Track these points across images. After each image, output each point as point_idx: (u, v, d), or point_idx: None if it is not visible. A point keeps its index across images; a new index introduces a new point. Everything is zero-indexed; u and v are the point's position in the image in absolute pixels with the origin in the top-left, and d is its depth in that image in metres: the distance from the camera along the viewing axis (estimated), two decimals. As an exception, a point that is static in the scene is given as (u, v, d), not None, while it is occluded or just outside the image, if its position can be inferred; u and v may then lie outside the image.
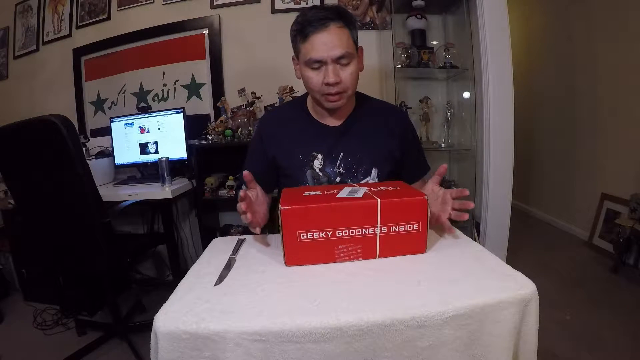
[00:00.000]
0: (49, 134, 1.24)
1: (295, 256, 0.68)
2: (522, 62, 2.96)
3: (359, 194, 0.70)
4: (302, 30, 0.85)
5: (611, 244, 2.20)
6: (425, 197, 0.68)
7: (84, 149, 1.78)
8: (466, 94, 2.07)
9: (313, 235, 0.66)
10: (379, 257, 0.69)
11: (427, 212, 0.68)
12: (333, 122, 0.99)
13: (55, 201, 1.39)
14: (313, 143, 0.97)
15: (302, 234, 0.66)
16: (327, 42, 0.84)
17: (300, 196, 0.71)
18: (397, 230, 0.68)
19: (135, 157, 2.08)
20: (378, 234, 0.67)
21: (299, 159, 0.97)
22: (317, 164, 0.97)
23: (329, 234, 0.66)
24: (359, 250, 0.68)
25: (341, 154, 0.97)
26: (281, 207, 0.65)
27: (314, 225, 0.66)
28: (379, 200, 0.66)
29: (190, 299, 0.59)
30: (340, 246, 0.67)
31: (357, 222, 0.66)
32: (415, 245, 0.70)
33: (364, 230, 0.67)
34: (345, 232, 0.66)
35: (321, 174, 0.97)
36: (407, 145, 1.02)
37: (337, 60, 0.85)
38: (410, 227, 0.68)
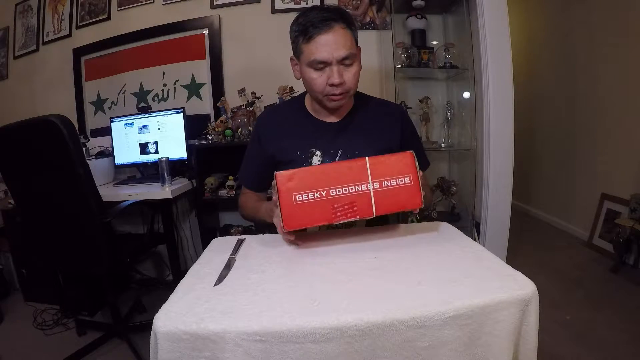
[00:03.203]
0: (49, 134, 1.24)
1: (293, 219, 0.70)
2: (522, 62, 2.96)
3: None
4: (305, 31, 0.85)
5: (611, 244, 2.20)
6: (412, 152, 0.73)
7: (84, 149, 1.78)
8: (466, 94, 2.07)
9: (308, 196, 0.69)
10: (376, 213, 0.70)
11: (415, 166, 0.72)
12: (331, 119, 1.00)
13: (55, 201, 1.39)
14: (311, 139, 0.98)
15: (297, 196, 0.69)
16: (331, 43, 0.84)
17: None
18: (389, 185, 0.71)
19: (135, 157, 2.08)
20: (371, 190, 0.70)
21: (297, 155, 0.97)
22: (316, 160, 0.97)
23: (324, 194, 0.69)
24: (355, 208, 0.70)
25: (340, 150, 0.97)
26: (276, 173, 0.70)
27: (308, 186, 0.69)
28: (367, 158, 0.71)
29: (190, 299, 0.59)
30: (336, 205, 0.70)
31: (349, 180, 0.70)
32: (410, 198, 0.72)
33: (357, 187, 0.70)
34: (339, 191, 0.70)
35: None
36: (406, 141, 1.03)
37: (341, 61, 0.86)
38: (402, 181, 0.71)
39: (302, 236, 0.83)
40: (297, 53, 0.91)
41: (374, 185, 0.70)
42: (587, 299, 1.82)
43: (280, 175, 0.70)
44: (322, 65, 0.87)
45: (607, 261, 2.19)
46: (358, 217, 0.70)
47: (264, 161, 1.01)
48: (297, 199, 0.69)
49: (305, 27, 0.85)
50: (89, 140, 2.27)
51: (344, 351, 0.51)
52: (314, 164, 0.97)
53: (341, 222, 0.70)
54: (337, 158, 0.97)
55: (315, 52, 0.85)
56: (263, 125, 1.04)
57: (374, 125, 1.00)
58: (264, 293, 0.60)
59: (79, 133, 1.75)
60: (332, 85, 0.87)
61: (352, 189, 0.70)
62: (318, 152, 0.97)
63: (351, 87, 0.91)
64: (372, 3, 2.14)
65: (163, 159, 1.73)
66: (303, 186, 0.69)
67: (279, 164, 0.99)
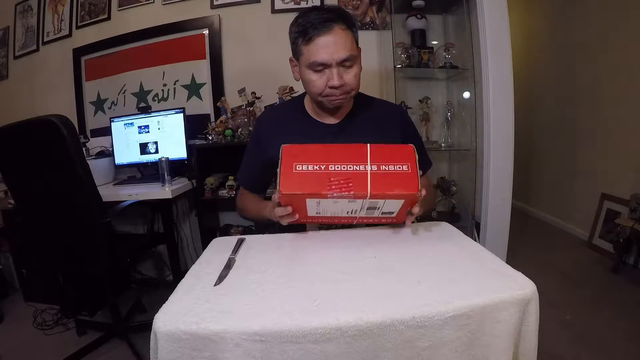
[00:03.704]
0: (49, 134, 1.24)
1: (289, 184, 0.72)
2: (522, 62, 2.96)
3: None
4: (305, 32, 0.85)
5: (611, 244, 2.20)
6: (412, 145, 0.76)
7: (84, 149, 1.78)
8: (466, 94, 2.07)
9: (308, 167, 0.73)
10: (370, 193, 0.71)
11: (414, 157, 0.75)
12: (331, 120, 0.99)
13: (55, 201, 1.39)
14: (311, 141, 0.96)
15: (297, 166, 0.73)
16: (331, 44, 0.83)
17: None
18: (387, 169, 0.73)
19: (135, 157, 2.08)
20: (369, 172, 0.72)
21: None
22: None
23: (322, 167, 0.73)
24: (351, 184, 0.72)
25: None
26: (282, 145, 0.75)
27: (309, 158, 0.74)
28: (368, 144, 0.75)
29: (190, 299, 0.59)
30: (332, 178, 0.72)
31: (349, 159, 0.73)
32: (407, 184, 0.73)
33: (355, 166, 0.73)
34: (338, 167, 0.73)
35: None
36: (406, 141, 1.02)
37: (341, 63, 0.85)
38: (400, 168, 0.73)
39: (302, 233, 0.83)
40: (296, 54, 0.91)
41: (371, 167, 0.73)
42: (587, 299, 1.82)
43: (286, 147, 0.75)
44: (321, 67, 0.86)
45: (607, 261, 2.19)
46: (352, 192, 0.71)
47: (264, 162, 1.00)
48: (297, 168, 0.73)
49: (305, 28, 0.84)
50: (89, 140, 2.27)
51: (344, 351, 0.51)
52: None
53: (335, 195, 0.71)
54: None
55: (314, 54, 0.84)
56: (263, 126, 1.04)
57: (374, 127, 1.00)
58: (264, 293, 0.60)
59: (79, 133, 1.75)
60: (331, 87, 0.87)
61: (350, 167, 0.73)
62: None
63: (353, 88, 0.90)
64: (372, 3, 2.14)
65: (163, 159, 1.73)
66: (305, 158, 0.74)
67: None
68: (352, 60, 0.87)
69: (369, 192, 0.71)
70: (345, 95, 0.90)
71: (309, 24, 0.84)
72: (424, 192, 0.73)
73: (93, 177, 1.35)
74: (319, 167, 0.73)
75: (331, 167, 0.73)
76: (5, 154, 1.37)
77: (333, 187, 0.71)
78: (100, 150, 2.22)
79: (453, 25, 2.14)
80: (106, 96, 2.37)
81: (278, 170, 0.74)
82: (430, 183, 1.16)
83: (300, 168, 0.73)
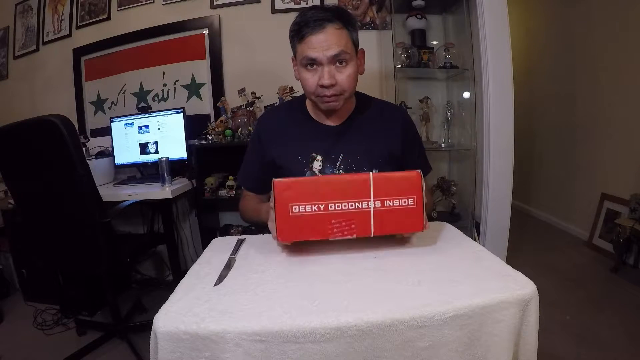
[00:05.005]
0: (49, 134, 1.24)
1: (288, 232, 0.67)
2: (522, 62, 2.96)
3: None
4: (299, 30, 0.85)
5: (611, 244, 2.20)
6: (419, 171, 0.69)
7: (84, 149, 1.78)
8: (466, 94, 2.07)
9: (305, 208, 0.66)
10: (374, 233, 0.68)
11: (421, 187, 0.68)
12: (332, 122, 0.99)
13: (55, 201, 1.39)
14: (312, 144, 0.97)
15: (294, 207, 0.66)
16: (322, 42, 0.83)
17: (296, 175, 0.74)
18: (391, 205, 0.67)
19: (135, 157, 2.08)
20: (372, 209, 0.67)
21: (298, 160, 0.96)
22: (317, 165, 0.96)
23: (322, 207, 0.66)
24: (353, 226, 0.67)
25: (340, 155, 0.96)
26: (274, 180, 0.67)
27: (306, 198, 0.66)
28: (370, 174, 0.67)
29: (190, 299, 0.58)
30: (333, 221, 0.67)
31: (349, 195, 0.67)
32: (411, 221, 0.69)
33: (357, 204, 0.67)
34: (338, 206, 0.66)
35: (320, 175, 0.96)
36: (407, 145, 1.02)
37: (333, 60, 0.85)
38: (405, 202, 0.68)
39: (302, 243, 0.83)
40: (294, 53, 0.91)
41: (375, 204, 0.67)
42: (587, 299, 1.82)
43: (279, 183, 0.67)
44: (313, 64, 0.86)
45: (607, 261, 2.19)
46: (355, 235, 0.68)
47: (265, 164, 1.00)
48: (294, 210, 0.66)
49: (300, 26, 0.85)
50: (89, 140, 2.27)
51: (344, 351, 0.51)
52: (314, 169, 0.96)
53: (337, 238, 0.68)
54: (338, 163, 0.96)
55: (306, 51, 0.85)
56: (264, 128, 1.03)
57: (375, 129, 0.99)
58: (264, 293, 0.59)
59: (79, 133, 1.75)
60: (322, 86, 0.86)
61: (352, 205, 0.67)
62: (319, 157, 0.96)
63: (345, 90, 0.88)
64: (372, 3, 2.14)
65: (163, 159, 1.73)
66: (301, 197, 0.66)
67: (280, 168, 0.98)
68: (345, 58, 0.85)
69: (372, 233, 0.68)
70: (336, 97, 0.88)
71: (303, 23, 0.84)
72: (427, 226, 0.71)
73: (93, 177, 1.35)
74: (318, 207, 0.66)
75: (331, 207, 0.66)
76: (5, 154, 1.37)
77: (335, 230, 0.67)
78: (100, 150, 2.22)
79: (453, 25, 2.14)
80: (106, 96, 2.37)
81: (272, 205, 0.69)
82: (428, 188, 1.15)
83: (297, 210, 0.66)
